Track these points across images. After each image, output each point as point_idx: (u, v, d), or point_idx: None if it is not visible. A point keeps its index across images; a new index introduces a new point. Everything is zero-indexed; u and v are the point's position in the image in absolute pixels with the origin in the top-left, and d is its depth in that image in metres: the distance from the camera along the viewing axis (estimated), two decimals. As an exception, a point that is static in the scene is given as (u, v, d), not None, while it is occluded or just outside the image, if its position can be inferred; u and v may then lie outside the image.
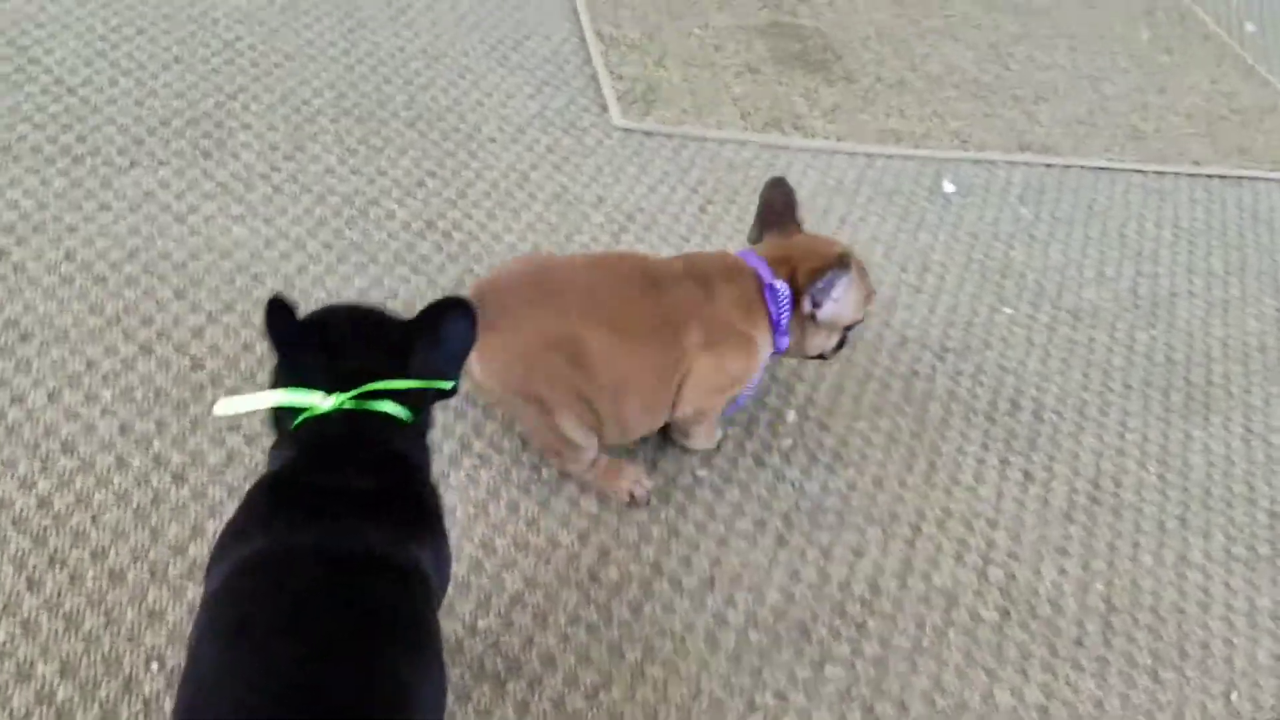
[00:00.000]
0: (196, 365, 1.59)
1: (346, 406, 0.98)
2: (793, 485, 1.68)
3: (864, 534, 1.63)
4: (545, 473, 1.59)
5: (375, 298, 1.78)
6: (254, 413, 1.45)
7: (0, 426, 1.44)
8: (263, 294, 1.73)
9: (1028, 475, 1.79)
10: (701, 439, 1.66)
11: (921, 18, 3.09)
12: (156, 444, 1.47)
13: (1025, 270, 2.25)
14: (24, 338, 1.56)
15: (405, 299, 1.80)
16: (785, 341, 1.56)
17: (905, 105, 2.68)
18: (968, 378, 1.96)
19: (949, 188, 2.44)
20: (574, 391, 1.43)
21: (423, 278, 1.84)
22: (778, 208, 1.63)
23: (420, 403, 1.04)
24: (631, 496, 1.57)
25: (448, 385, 1.04)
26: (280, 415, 1.01)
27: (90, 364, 1.55)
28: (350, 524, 0.95)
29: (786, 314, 1.53)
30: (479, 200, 2.04)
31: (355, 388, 0.99)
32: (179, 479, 1.44)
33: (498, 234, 1.97)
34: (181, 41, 2.21)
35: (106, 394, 1.52)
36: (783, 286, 1.53)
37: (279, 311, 0.96)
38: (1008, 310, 2.14)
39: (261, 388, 1.51)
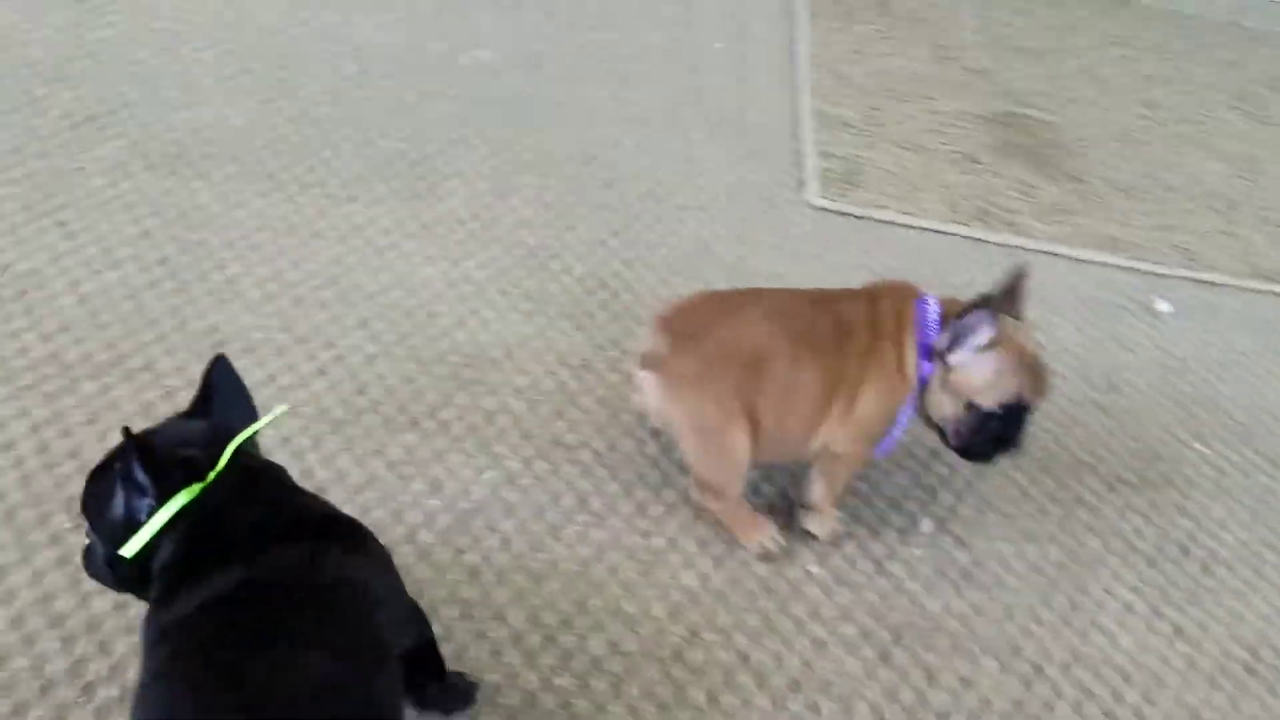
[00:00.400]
0: (361, 390, 1.73)
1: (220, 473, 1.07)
2: (911, 599, 1.62)
3: (978, 663, 1.55)
4: (654, 541, 1.62)
5: (535, 348, 1.87)
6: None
7: None
8: (435, 331, 1.86)
9: (1178, 630, 1.65)
10: (824, 521, 1.65)
11: (1171, 122, 2.91)
12: (310, 458, 1.62)
13: (1231, 406, 2.07)
14: (218, 345, 1.75)
15: (561, 351, 1.88)
16: (928, 369, 1.54)
17: (1131, 213, 2.53)
18: (1138, 515, 1.83)
19: (1162, 306, 2.29)
20: (745, 403, 1.52)
21: (582, 333, 1.92)
22: (1004, 288, 1.57)
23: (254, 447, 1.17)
24: (764, 549, 1.60)
25: (278, 411, 1.17)
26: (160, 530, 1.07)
27: (270, 377, 1.72)
28: (276, 550, 1.03)
29: (932, 334, 1.52)
30: (656, 265, 2.10)
31: (214, 461, 1.07)
32: (322, 493, 1.57)
33: (666, 299, 2.02)
34: (420, 87, 2.41)
35: (277, 407, 1.68)
36: (934, 302, 1.55)
37: (137, 440, 1.04)
38: (1200, 448, 1.97)
39: (431, 417, 1.63)
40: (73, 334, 1.72)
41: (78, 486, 1.12)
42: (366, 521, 1.55)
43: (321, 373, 1.75)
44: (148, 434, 1.11)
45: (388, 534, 1.54)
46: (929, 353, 1.53)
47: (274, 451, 1.61)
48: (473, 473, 1.65)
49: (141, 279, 1.84)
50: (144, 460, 1.03)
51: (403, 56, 2.49)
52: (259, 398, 1.67)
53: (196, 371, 1.70)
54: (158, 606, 1.04)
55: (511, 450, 1.70)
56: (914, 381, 1.55)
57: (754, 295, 1.65)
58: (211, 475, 1.07)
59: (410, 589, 1.48)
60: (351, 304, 1.88)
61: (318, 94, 2.33)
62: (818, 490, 1.63)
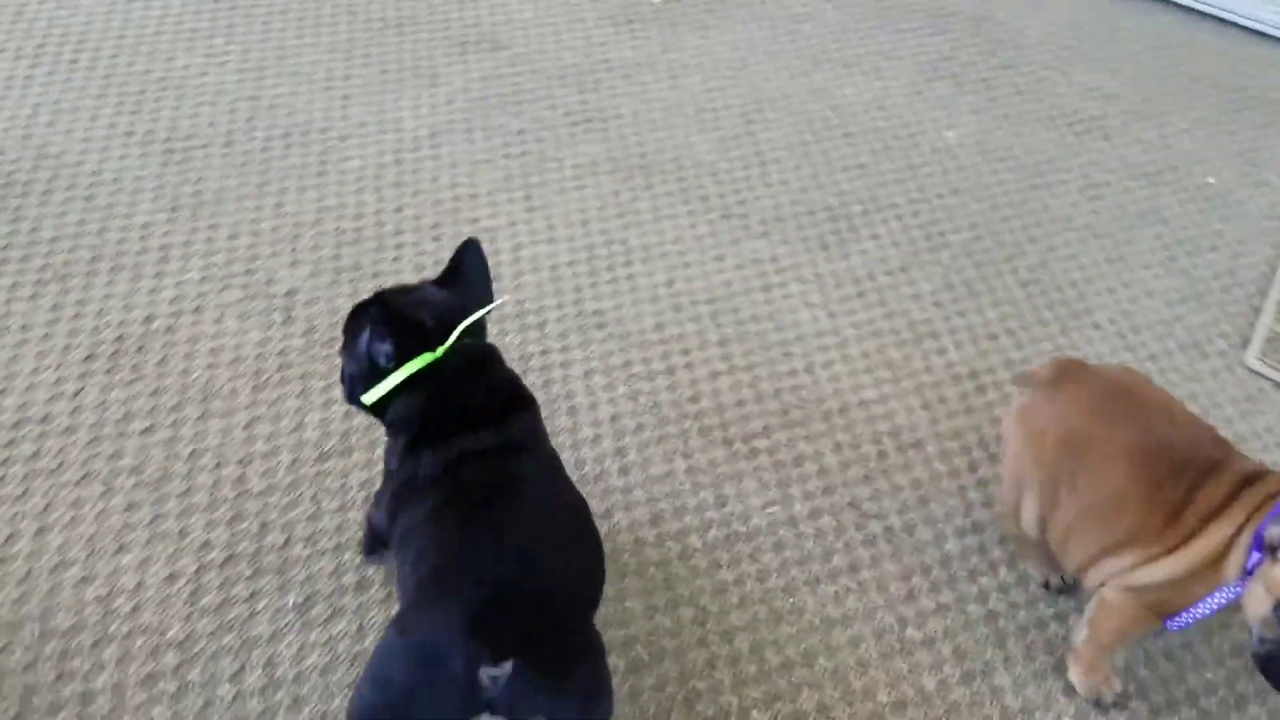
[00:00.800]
0: (695, 398, 1.88)
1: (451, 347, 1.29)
2: (1173, 802, 1.43)
3: None
4: (910, 632, 1.58)
5: (872, 414, 1.90)
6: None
7: (564, 407, 1.87)
8: (784, 369, 1.95)
9: None
10: (1088, 677, 1.51)
11: None
12: (628, 438, 1.79)
13: None
14: (599, 326, 1.98)
15: (897, 424, 1.88)
16: (1256, 559, 1.35)
17: None
18: None
19: None
20: (1053, 484, 1.48)
21: (927, 414, 1.91)
22: None
23: (484, 326, 1.39)
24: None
25: (500, 301, 1.37)
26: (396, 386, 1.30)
27: (627, 363, 1.92)
28: (496, 426, 1.27)
29: (1271, 524, 1.34)
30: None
31: (446, 336, 1.28)
32: (625, 471, 1.73)
33: (1032, 411, 1.94)
34: (875, 151, 2.51)
35: (626, 389, 1.87)
36: None
37: (385, 301, 1.29)
38: None
39: (745, 442, 1.74)
40: (499, 284, 2.05)
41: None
42: (651, 508, 1.70)
43: (669, 372, 1.92)
44: (400, 292, 1.36)
45: (663, 525, 1.67)
46: (1260, 533, 1.35)
47: (602, 423, 1.81)
48: (760, 502, 1.72)
49: (564, 257, 2.13)
50: (389, 321, 1.28)
51: (871, 122, 2.60)
52: (610, 378, 1.89)
53: (575, 341, 1.95)
54: (409, 458, 1.29)
55: (805, 496, 1.74)
56: (1233, 570, 1.37)
57: (1161, 402, 1.53)
58: (442, 350, 1.30)
59: (659, 579, 1.60)
60: (720, 324, 2.03)
61: (777, 141, 2.51)
62: (1082, 634, 1.50)
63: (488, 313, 1.36)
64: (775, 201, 2.34)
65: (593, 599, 1.29)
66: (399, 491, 1.30)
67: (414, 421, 1.30)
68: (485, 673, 1.08)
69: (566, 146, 2.40)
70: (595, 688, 1.19)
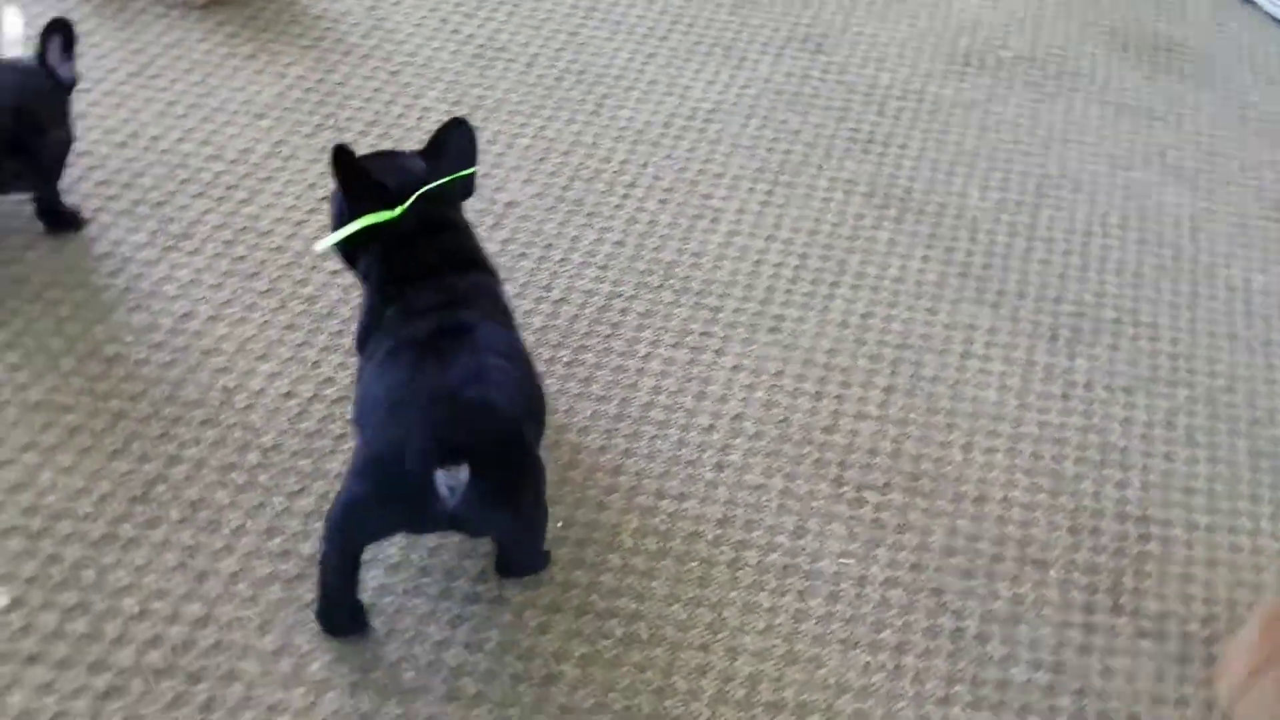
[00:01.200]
0: (828, 430, 1.81)
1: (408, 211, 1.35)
2: None
3: None
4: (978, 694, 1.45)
5: (1013, 515, 1.74)
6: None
7: (696, 389, 1.88)
8: (941, 438, 1.83)
9: None
10: None
11: None
12: (740, 440, 1.76)
13: None
14: (772, 330, 1.95)
15: (1031, 534, 1.71)
16: None
17: None
18: None
19: None
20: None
21: (1069, 537, 1.72)
22: None
23: (454, 200, 1.46)
24: None
25: (467, 172, 1.40)
26: (355, 240, 1.36)
27: (779, 373, 1.88)
28: (446, 279, 1.35)
29: None
30: (1245, 586, 1.76)
31: (407, 199, 1.33)
32: (719, 468, 1.71)
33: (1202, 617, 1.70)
34: (1160, 267, 2.27)
35: (765, 395, 1.84)
36: None
37: (345, 158, 1.33)
38: None
39: (856, 489, 1.69)
40: (702, 258, 2.06)
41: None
42: (726, 510, 1.69)
43: (817, 396, 1.86)
44: (377, 155, 1.43)
45: (728, 529, 1.64)
46: None
47: (723, 416, 1.80)
48: (839, 549, 1.64)
49: (774, 257, 2.11)
50: (352, 177, 1.35)
51: (1174, 235, 2.35)
52: (755, 380, 1.87)
53: (740, 334, 1.94)
54: (371, 311, 1.34)
55: (889, 563, 1.64)
56: None
57: None
58: (399, 210, 1.36)
59: (695, 574, 1.58)
60: (897, 371, 1.93)
61: (1059, 221, 2.33)
62: None
63: (451, 181, 1.41)
64: (1023, 276, 2.19)
65: (537, 429, 1.38)
66: (360, 338, 1.38)
67: (375, 274, 1.37)
68: (442, 479, 1.13)
69: (834, 158, 2.37)
70: (536, 510, 1.34)
